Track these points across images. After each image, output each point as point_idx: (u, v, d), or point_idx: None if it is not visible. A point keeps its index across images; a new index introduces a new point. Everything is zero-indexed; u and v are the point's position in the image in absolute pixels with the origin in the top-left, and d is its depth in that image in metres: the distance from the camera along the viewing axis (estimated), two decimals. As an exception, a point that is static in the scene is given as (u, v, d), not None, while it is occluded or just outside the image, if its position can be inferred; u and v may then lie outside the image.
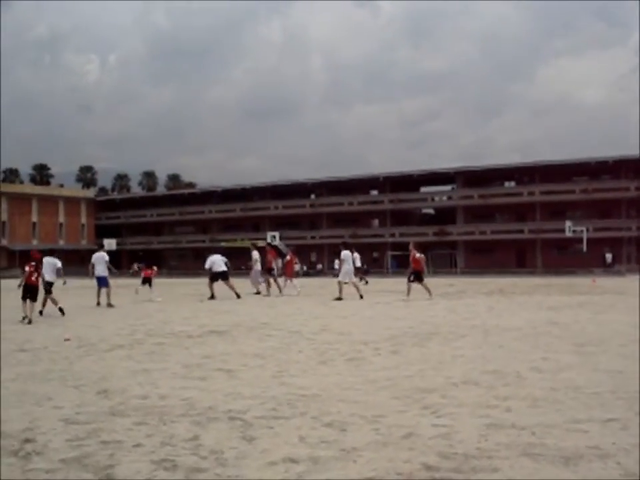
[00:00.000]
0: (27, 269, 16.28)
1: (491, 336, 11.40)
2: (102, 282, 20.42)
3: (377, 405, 6.22)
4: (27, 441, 5.24)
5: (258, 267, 26.16)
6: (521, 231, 63.23)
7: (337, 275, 24.74)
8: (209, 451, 4.87)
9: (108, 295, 20.18)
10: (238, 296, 22.63)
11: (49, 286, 17.28)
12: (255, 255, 26.23)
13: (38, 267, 16.37)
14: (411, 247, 22.57)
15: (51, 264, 17.80)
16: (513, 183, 69.75)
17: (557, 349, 9.63)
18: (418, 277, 21.68)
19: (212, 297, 22.61)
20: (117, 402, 6.57)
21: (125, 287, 29.94)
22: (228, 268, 24.13)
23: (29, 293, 15.77)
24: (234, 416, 5.90)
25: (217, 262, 23.79)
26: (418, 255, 21.85)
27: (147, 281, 25.04)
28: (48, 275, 17.25)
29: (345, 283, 21.89)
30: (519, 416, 5.76)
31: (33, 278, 16.01)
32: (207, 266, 23.89)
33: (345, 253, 22.19)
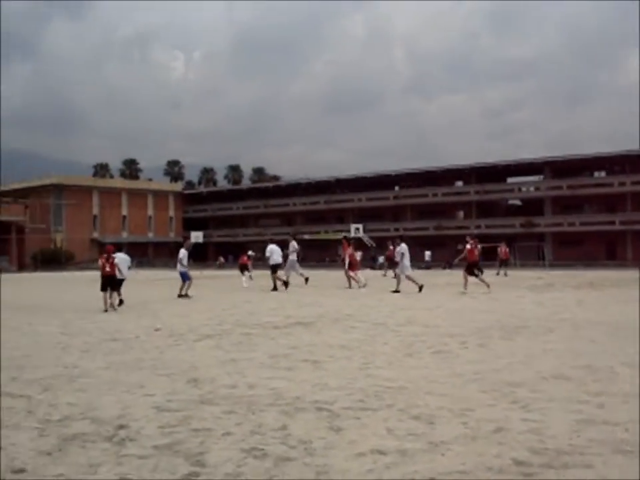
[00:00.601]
0: (100, 261, 17.23)
1: (582, 330, 11.12)
2: (183, 277, 20.87)
3: (465, 399, 6.15)
4: (121, 427, 5.39)
5: (294, 257, 25.71)
6: (612, 223, 61.28)
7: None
8: (298, 441, 4.91)
9: (187, 287, 20.77)
10: (286, 285, 23.34)
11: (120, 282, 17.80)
12: (293, 245, 25.78)
13: (110, 258, 17.04)
14: (467, 239, 22.32)
15: (125, 260, 18.42)
16: (602, 173, 67.74)
17: (651, 344, 9.31)
18: (470, 269, 21.46)
19: (274, 288, 23.02)
20: (206, 390, 6.70)
21: (211, 278, 30.45)
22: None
23: (108, 284, 16.58)
24: (321, 406, 5.93)
25: (275, 252, 23.96)
26: (468, 245, 21.68)
27: (244, 267, 25.88)
28: (123, 271, 17.85)
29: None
30: (611, 412, 5.61)
31: (107, 269, 16.72)
32: (267, 254, 23.96)
33: (403, 247, 22.07)
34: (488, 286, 20.68)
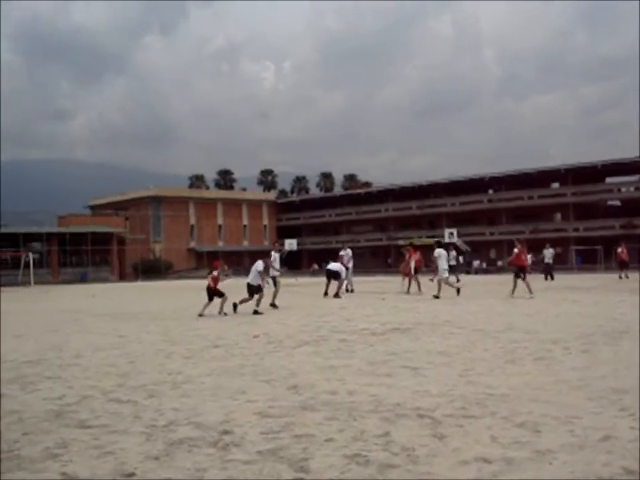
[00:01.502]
0: (209, 279, 18.33)
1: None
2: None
3: (571, 406, 6.00)
4: (225, 432, 5.48)
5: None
6: None
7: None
8: (400, 448, 4.89)
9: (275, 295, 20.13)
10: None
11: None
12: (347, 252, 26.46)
13: (216, 276, 18.21)
14: (515, 243, 21.96)
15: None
16: None
17: None
18: (517, 273, 21.32)
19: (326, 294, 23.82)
20: (307, 397, 6.74)
21: (305, 285, 30.66)
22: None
23: (210, 295, 17.92)
24: (423, 413, 5.89)
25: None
26: (516, 249, 21.36)
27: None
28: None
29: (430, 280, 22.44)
30: None
31: (211, 284, 17.96)
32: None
33: (439, 251, 22.30)
34: (531, 291, 20.46)
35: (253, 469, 4.55)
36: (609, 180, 71.56)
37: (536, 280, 31.22)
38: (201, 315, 16.85)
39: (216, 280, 18.01)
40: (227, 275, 20.38)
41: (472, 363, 8.60)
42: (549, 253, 35.49)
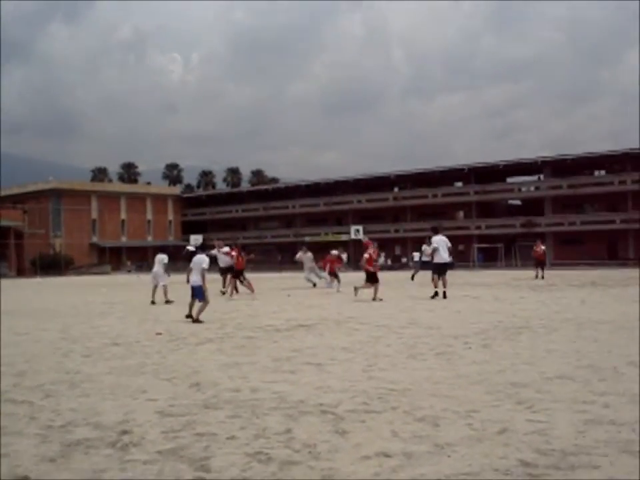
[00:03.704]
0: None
1: (585, 330, 11.09)
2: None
3: (470, 400, 6.12)
4: (124, 432, 5.35)
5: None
6: (612, 222, 61.26)
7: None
8: (302, 444, 4.87)
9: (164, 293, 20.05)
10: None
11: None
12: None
13: None
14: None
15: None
16: (603, 172, 67.70)
17: (655, 343, 9.27)
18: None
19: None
20: (209, 395, 6.66)
21: (212, 281, 30.29)
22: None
23: None
24: (325, 410, 5.90)
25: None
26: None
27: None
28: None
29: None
30: (617, 412, 5.57)
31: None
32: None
33: (438, 239, 19.89)
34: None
35: (152, 469, 4.45)
36: (509, 180, 73.76)
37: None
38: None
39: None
40: (129, 271, 20.07)
41: (374, 358, 8.68)
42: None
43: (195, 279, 14.21)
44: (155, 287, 20.13)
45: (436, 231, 20.41)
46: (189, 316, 14.15)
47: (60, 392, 7.04)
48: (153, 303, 19.35)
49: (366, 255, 20.21)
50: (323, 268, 26.84)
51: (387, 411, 5.80)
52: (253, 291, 21.57)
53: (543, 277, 30.30)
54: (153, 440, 5.12)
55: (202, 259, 14.28)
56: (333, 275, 25.23)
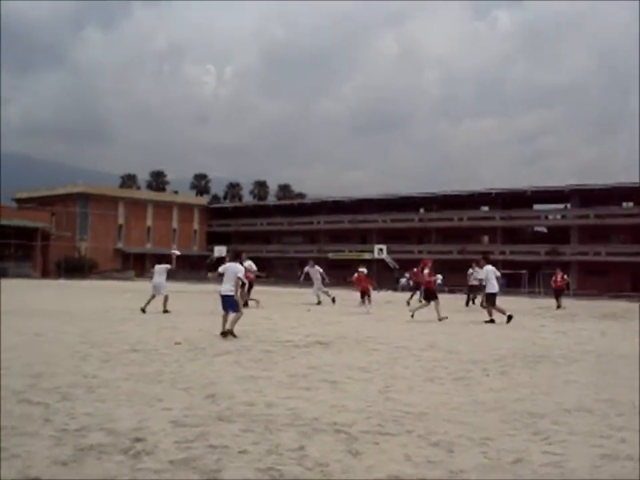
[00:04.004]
0: None
1: (605, 362, 10.96)
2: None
3: (486, 427, 6.06)
4: (138, 440, 5.36)
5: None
6: (638, 254, 60.68)
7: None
8: (314, 463, 4.85)
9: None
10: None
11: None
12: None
13: None
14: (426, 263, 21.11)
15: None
16: (630, 204, 67.19)
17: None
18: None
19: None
20: (224, 407, 6.66)
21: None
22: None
23: None
24: (339, 429, 5.87)
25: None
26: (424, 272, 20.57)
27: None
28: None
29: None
30: (633, 448, 5.49)
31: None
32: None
33: (490, 269, 19.55)
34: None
35: (163, 479, 4.46)
36: (536, 207, 73.35)
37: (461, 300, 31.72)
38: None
39: None
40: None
41: (392, 379, 8.64)
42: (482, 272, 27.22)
43: (226, 288, 13.22)
44: (153, 296, 19.62)
45: (488, 260, 20.35)
46: (225, 333, 12.98)
47: (76, 396, 7.07)
48: (143, 311, 18.95)
49: (426, 271, 20.36)
50: (356, 286, 25.59)
51: (401, 434, 5.76)
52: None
53: (559, 307, 28.74)
54: (165, 449, 5.12)
55: (237, 268, 13.46)
56: (366, 294, 23.11)
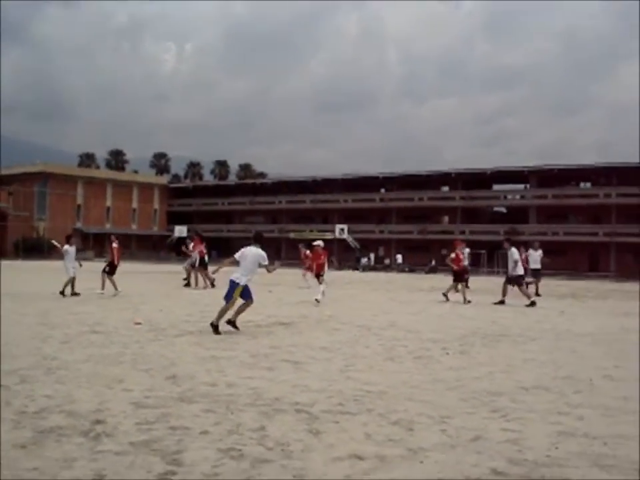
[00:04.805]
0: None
1: (563, 341, 11.15)
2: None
3: (445, 406, 6.14)
4: (98, 422, 5.33)
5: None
6: (595, 234, 61.63)
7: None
8: (275, 442, 4.88)
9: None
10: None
11: None
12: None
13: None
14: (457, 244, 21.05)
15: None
16: (588, 184, 68.14)
17: (631, 357, 9.34)
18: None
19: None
20: (185, 388, 6.65)
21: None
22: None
23: None
24: (300, 408, 5.90)
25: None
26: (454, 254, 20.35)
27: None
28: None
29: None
30: (591, 425, 5.61)
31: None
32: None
33: (515, 251, 19.41)
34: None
35: (123, 461, 4.44)
36: (496, 187, 74.01)
37: (423, 279, 31.83)
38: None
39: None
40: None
41: (353, 359, 8.69)
42: (537, 255, 25.11)
43: (241, 275, 11.35)
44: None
45: (511, 242, 20.26)
46: (217, 327, 11.11)
47: (36, 378, 7.01)
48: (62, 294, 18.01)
49: (452, 255, 20.30)
50: (305, 266, 24.28)
51: (361, 413, 5.81)
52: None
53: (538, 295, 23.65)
54: (126, 431, 5.10)
55: (259, 253, 11.56)
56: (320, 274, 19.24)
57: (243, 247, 11.72)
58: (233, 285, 11.29)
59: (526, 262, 23.06)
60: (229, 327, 11.27)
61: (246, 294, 11.46)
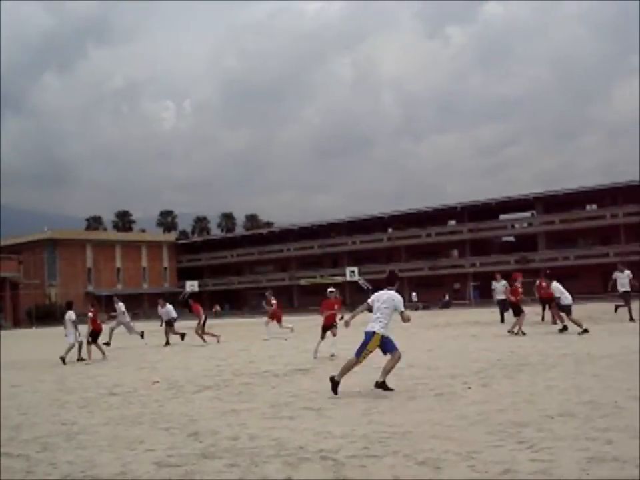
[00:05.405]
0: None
1: (584, 365, 11.03)
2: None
3: (471, 441, 6.05)
4: (122, 484, 5.28)
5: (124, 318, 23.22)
6: (606, 255, 61.35)
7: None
8: (303, 492, 4.81)
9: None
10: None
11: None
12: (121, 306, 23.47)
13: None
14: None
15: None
16: (594, 206, 68.10)
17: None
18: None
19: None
20: (207, 444, 6.58)
21: (208, 327, 30.10)
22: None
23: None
24: (325, 455, 5.83)
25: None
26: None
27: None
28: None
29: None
30: (620, 448, 5.52)
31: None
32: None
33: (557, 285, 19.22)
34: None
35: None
36: (502, 217, 74.01)
37: (437, 316, 31.63)
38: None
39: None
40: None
41: (374, 401, 8.61)
42: (624, 276, 24.03)
43: (377, 322, 9.66)
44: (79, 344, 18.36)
45: (551, 277, 20.42)
46: (382, 383, 9.44)
47: (56, 444, 6.97)
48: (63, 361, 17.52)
49: (509, 286, 20.23)
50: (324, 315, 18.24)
51: (387, 455, 5.74)
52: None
53: (556, 322, 20.88)
54: (151, 492, 5.05)
55: (396, 298, 9.88)
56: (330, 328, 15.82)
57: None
58: (369, 335, 9.63)
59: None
60: (246, 379, 11.19)
61: (389, 345, 9.65)
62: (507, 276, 23.82)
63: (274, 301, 24.20)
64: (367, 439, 6.39)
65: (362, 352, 9.66)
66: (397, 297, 9.87)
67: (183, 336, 22.57)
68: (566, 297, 19.03)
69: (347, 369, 9.78)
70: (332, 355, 14.85)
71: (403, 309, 9.76)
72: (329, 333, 15.68)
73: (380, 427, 6.88)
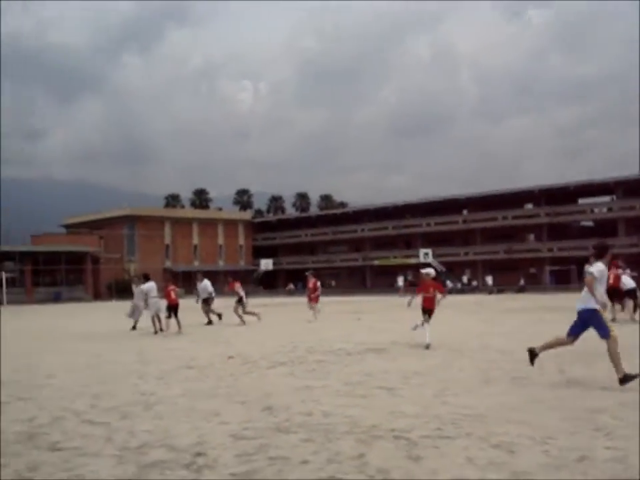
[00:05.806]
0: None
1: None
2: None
3: (546, 426, 5.98)
4: (198, 454, 5.41)
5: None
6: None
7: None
8: (376, 470, 4.84)
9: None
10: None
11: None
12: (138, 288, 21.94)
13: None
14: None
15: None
16: (677, 191, 65.90)
17: None
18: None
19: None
20: (282, 418, 6.68)
21: (282, 305, 30.53)
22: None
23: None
24: (398, 435, 5.85)
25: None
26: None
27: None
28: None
29: None
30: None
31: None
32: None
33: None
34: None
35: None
36: (581, 201, 72.27)
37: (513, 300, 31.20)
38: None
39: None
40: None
41: (447, 383, 8.58)
42: None
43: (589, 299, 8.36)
44: (155, 316, 19.07)
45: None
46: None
47: (135, 414, 7.17)
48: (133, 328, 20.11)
49: (619, 271, 19.85)
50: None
51: (461, 437, 5.72)
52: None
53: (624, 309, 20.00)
54: (226, 463, 5.16)
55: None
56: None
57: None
58: (596, 314, 8.33)
59: None
60: (319, 357, 11.28)
61: (602, 328, 8.35)
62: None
63: (312, 283, 23.30)
64: (440, 419, 6.38)
65: (577, 333, 8.65)
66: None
67: (220, 316, 22.13)
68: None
69: (554, 345, 9.04)
70: (427, 346, 12.74)
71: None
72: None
73: (453, 409, 6.86)
